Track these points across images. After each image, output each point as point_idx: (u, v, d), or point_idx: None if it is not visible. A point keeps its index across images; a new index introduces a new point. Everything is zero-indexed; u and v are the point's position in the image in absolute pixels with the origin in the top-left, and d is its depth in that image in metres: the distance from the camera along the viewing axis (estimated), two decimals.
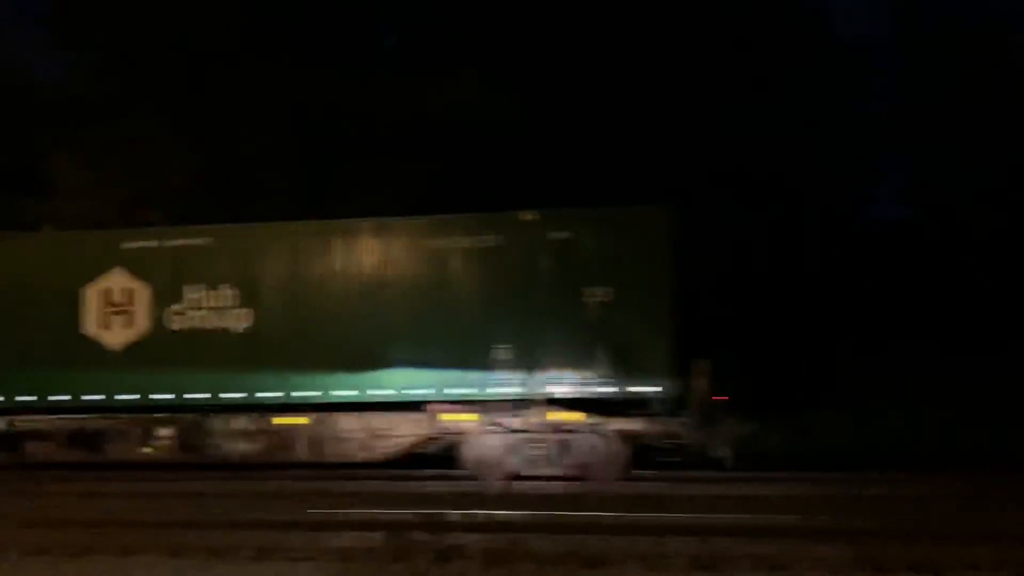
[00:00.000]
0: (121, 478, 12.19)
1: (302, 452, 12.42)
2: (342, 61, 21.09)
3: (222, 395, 12.23)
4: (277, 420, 12.40)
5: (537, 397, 11.61)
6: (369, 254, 12.26)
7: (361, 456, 12.25)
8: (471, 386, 11.70)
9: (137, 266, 12.58)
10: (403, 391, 11.87)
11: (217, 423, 12.47)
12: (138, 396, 12.34)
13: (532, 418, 11.64)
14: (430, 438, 12.15)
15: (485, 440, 11.80)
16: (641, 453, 12.01)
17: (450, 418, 11.96)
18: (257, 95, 20.19)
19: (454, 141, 19.55)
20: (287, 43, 20.91)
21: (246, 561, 6.83)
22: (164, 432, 12.44)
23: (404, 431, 12.16)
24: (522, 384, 11.63)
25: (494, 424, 11.78)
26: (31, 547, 7.30)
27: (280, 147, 20.13)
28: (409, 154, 19.32)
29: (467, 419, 11.95)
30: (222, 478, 12.10)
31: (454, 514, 8.34)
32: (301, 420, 12.35)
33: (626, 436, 11.57)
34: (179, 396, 12.29)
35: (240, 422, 12.46)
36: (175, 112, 20.07)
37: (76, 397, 12.47)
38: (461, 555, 6.49)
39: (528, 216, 11.93)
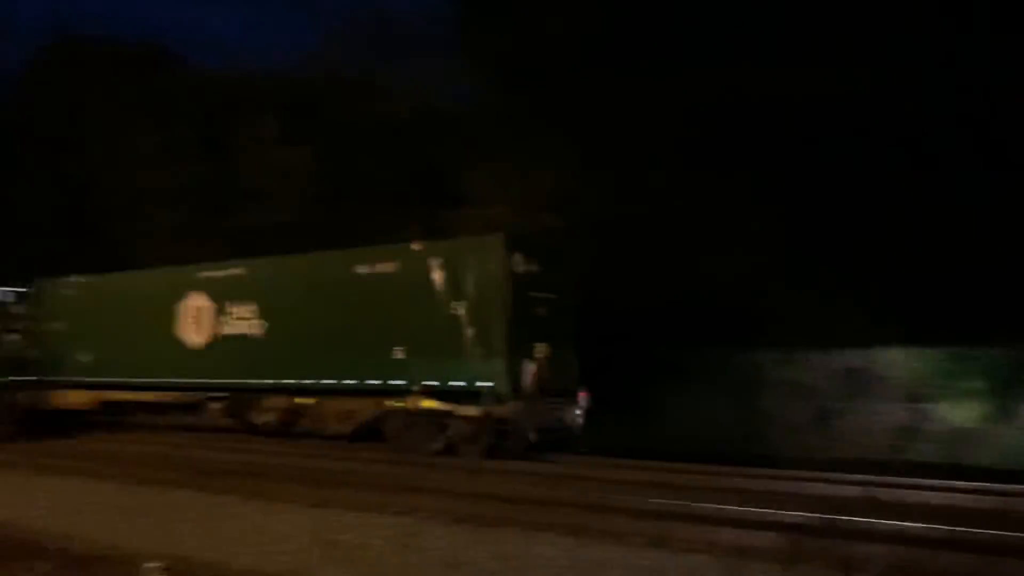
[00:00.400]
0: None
1: (308, 424, 17.01)
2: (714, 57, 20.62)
3: (248, 380, 17.23)
4: (296, 400, 17.14)
5: (417, 388, 14.98)
6: (318, 279, 16.45)
7: (338, 429, 16.47)
8: (377, 378, 15.39)
9: (206, 289, 18.04)
10: (341, 381, 15.90)
11: (260, 399, 17.53)
12: (204, 379, 17.82)
13: (412, 404, 15.05)
14: (378, 417, 16.01)
15: (396, 419, 15.42)
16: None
17: (389, 402, 15.69)
18: (632, 100, 20.92)
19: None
20: (660, 46, 21.21)
21: (641, 547, 7.01)
22: (215, 406, 17.81)
23: (363, 411, 16.15)
24: (409, 378, 15.07)
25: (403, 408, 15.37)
26: (455, 515, 8.37)
27: (656, 149, 20.64)
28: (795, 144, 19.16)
29: (398, 404, 15.63)
30: (583, 464, 13.61)
31: (853, 521, 8.11)
32: (309, 401, 16.94)
33: (472, 420, 14.47)
34: (224, 380, 17.53)
35: (273, 400, 17.40)
36: (564, 122, 21.63)
37: (172, 380, 18.31)
38: (862, 566, 6.10)
39: (416, 246, 15.27)
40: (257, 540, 7.75)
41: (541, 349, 14.76)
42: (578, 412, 14.68)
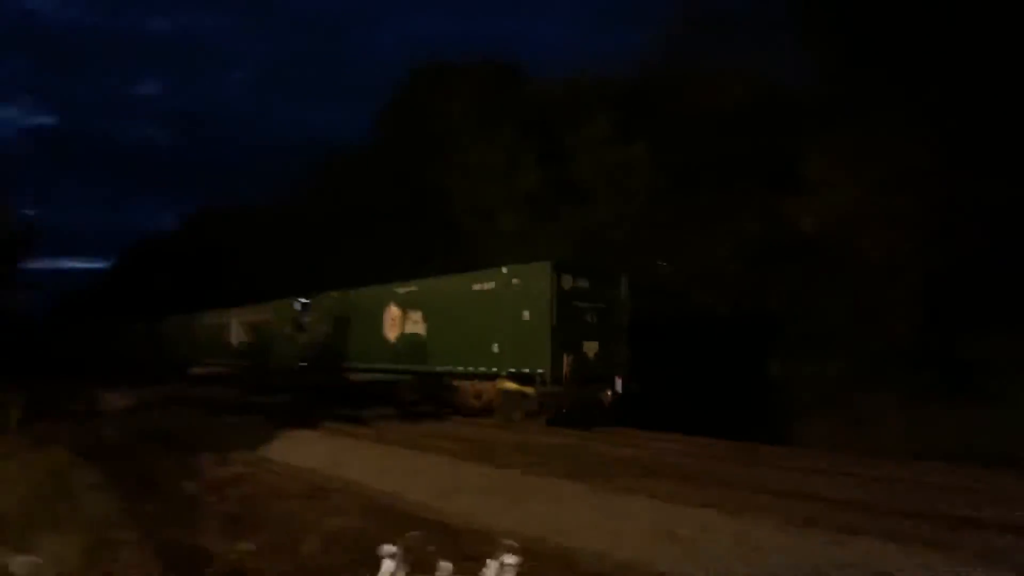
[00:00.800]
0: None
1: (459, 401, 23.16)
2: None
3: (420, 367, 23.75)
4: (449, 382, 23.41)
5: (504, 373, 20.46)
6: (453, 293, 22.42)
7: (473, 404, 22.43)
8: (484, 366, 21.09)
9: (398, 301, 24.89)
10: (467, 368, 21.79)
11: (429, 381, 24.02)
12: (397, 366, 24.69)
13: (502, 385, 20.55)
14: (495, 396, 21.73)
15: (499, 397, 21.03)
16: None
17: (500, 384, 21.42)
18: (997, 66, 19.67)
19: None
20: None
21: (964, 561, 6.71)
22: (403, 385, 24.56)
23: (487, 391, 22.00)
24: (500, 366, 20.60)
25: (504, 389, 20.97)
26: (794, 517, 8.51)
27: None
28: None
29: (502, 385, 21.28)
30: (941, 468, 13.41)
31: None
32: (456, 383, 23.12)
33: (531, 397, 19.63)
34: (407, 366, 24.24)
35: (436, 381, 23.79)
36: (920, 95, 20.29)
37: (381, 361, 25.39)
38: None
39: (504, 270, 20.75)
40: (602, 527, 8.27)
41: (590, 346, 19.68)
42: (609, 393, 19.37)
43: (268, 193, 51.05)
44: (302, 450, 15.91)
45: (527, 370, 19.77)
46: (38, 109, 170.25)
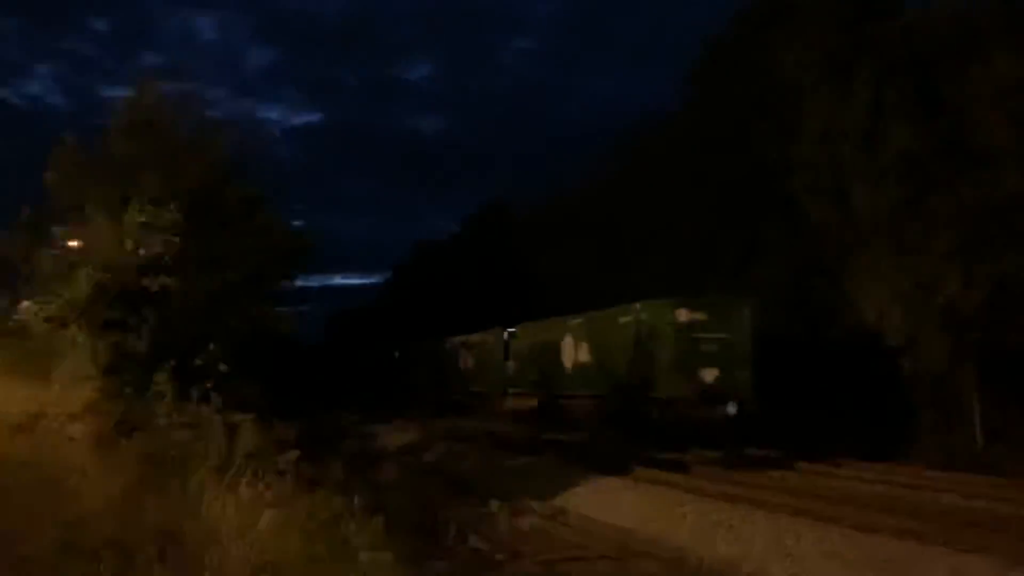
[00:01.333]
0: None
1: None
2: None
3: (589, 391, 27.40)
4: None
5: None
6: (603, 326, 25.96)
7: None
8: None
9: (571, 332, 28.77)
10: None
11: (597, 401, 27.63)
12: (572, 390, 28.50)
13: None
14: None
15: None
16: None
17: None
18: None
19: None
20: None
21: None
22: (577, 406, 28.31)
23: None
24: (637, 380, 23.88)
25: None
26: None
27: None
28: None
29: None
30: None
31: None
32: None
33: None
34: (581, 388, 27.96)
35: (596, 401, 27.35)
36: None
37: (560, 387, 29.31)
38: None
39: (638, 306, 24.04)
40: None
41: (708, 372, 22.48)
42: (723, 414, 21.97)
43: (558, 186, 45.70)
44: (605, 500, 14.33)
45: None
46: (301, 107, 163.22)
